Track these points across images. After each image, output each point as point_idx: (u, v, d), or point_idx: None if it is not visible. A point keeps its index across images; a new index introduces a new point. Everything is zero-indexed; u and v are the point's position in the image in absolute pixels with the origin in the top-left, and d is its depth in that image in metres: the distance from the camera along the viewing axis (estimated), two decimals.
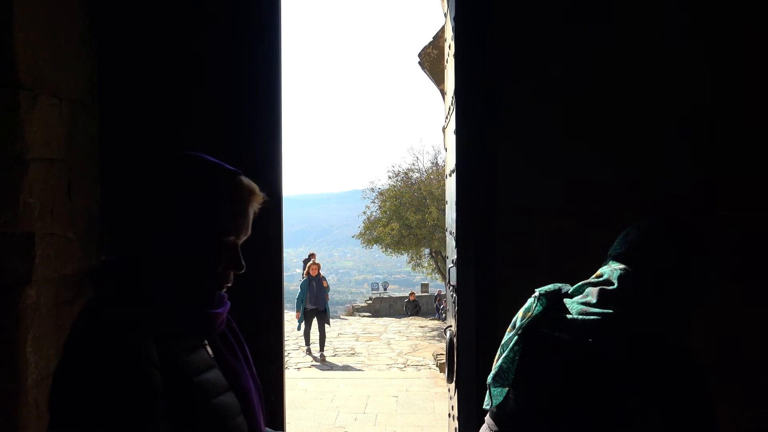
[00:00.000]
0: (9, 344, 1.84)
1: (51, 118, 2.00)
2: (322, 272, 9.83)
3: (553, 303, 1.27)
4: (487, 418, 1.40)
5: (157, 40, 2.40)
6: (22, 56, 1.83)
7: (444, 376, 2.86)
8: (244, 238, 1.12)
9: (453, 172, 2.47)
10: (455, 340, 2.42)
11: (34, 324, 1.90)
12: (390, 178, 21.63)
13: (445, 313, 3.47)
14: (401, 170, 21.51)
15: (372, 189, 22.38)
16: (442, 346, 9.58)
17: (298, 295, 9.76)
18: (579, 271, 2.07)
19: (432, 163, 21.61)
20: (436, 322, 15.95)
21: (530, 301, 1.33)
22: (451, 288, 2.84)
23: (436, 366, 8.09)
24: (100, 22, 2.34)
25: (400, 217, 20.08)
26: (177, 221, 1.07)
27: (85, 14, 2.27)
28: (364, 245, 20.84)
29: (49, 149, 1.99)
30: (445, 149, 3.18)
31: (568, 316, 1.21)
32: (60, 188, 2.07)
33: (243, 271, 1.08)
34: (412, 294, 20.88)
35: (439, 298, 19.47)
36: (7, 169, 1.83)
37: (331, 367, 8.78)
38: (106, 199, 2.39)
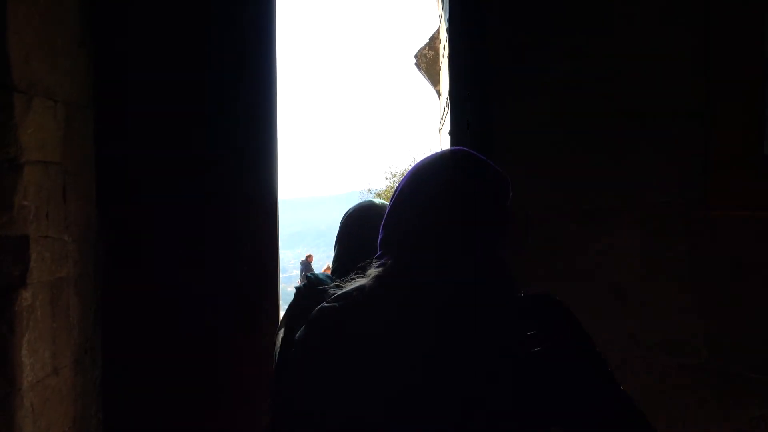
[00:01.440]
0: (4, 347, 1.83)
1: (46, 121, 2.00)
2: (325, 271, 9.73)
3: None
4: None
5: (153, 41, 2.40)
6: (16, 58, 1.83)
7: None
8: None
9: None
10: None
11: (29, 327, 1.90)
12: (387, 179, 21.67)
13: None
14: (398, 171, 21.54)
15: (369, 190, 22.43)
16: None
17: None
18: (575, 269, 2.08)
19: None
20: None
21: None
22: None
23: None
24: (96, 24, 2.34)
25: None
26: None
27: (81, 16, 2.26)
28: None
29: (44, 152, 1.99)
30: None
31: None
32: (55, 191, 2.07)
33: None
34: None
35: None
36: (1, 172, 1.83)
37: None
38: (102, 202, 2.39)
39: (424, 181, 1.04)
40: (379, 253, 1.06)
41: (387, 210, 1.08)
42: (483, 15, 2.22)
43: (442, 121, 2.98)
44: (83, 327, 2.26)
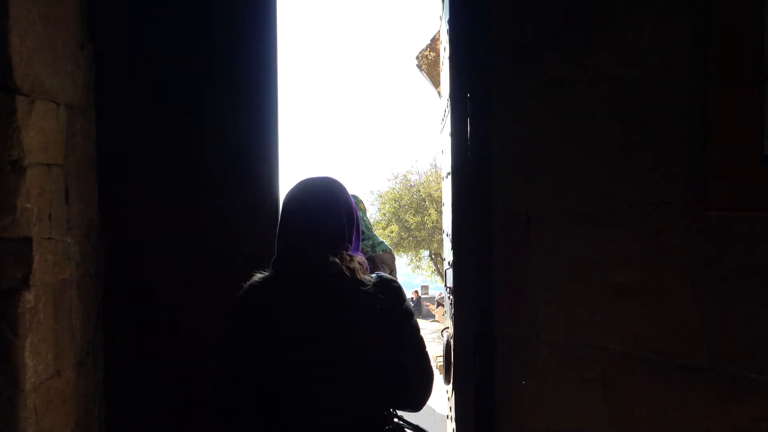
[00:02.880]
0: (7, 349, 1.84)
1: (48, 123, 2.01)
2: None
3: None
4: None
5: (153, 45, 2.41)
6: (18, 61, 1.84)
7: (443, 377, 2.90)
8: None
9: (449, 174, 2.48)
10: (452, 342, 2.43)
11: (32, 329, 1.91)
12: (389, 180, 21.67)
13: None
14: (400, 172, 21.53)
15: (371, 191, 22.43)
16: (442, 348, 9.56)
17: None
18: (575, 269, 2.09)
19: (431, 165, 21.65)
20: (437, 323, 15.94)
21: None
22: (447, 290, 2.85)
23: (437, 368, 8.09)
24: (97, 27, 2.35)
25: (399, 219, 20.13)
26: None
27: (82, 19, 2.28)
28: None
29: (47, 154, 2.00)
30: (442, 152, 3.19)
31: None
32: (58, 193, 2.08)
33: None
34: (415, 293, 20.76)
35: (440, 300, 19.43)
36: (4, 174, 1.84)
37: None
38: (104, 204, 2.40)
39: (293, 203, 1.66)
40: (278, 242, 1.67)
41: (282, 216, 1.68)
42: (483, 15, 2.22)
43: (443, 123, 2.99)
44: (85, 329, 2.27)
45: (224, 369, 1.64)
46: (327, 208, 1.63)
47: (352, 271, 1.57)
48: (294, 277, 1.57)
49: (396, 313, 1.60)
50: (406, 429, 1.71)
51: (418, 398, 1.69)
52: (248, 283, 1.61)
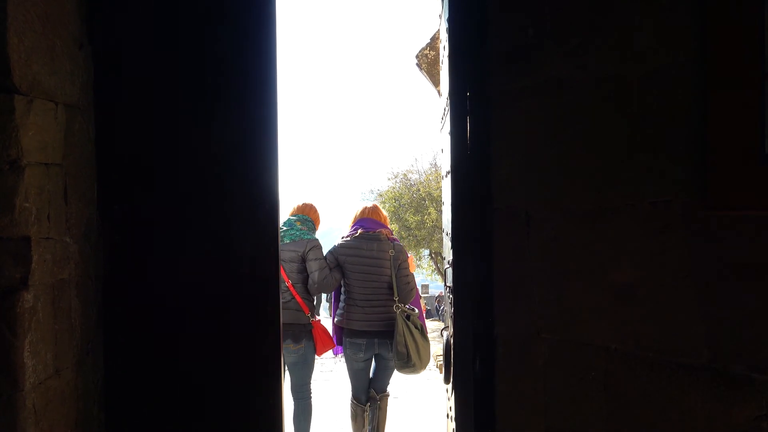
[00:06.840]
0: (6, 349, 1.84)
1: (47, 123, 2.01)
2: None
3: None
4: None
5: (153, 45, 2.41)
6: (17, 61, 1.83)
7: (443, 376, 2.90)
8: None
9: (448, 173, 2.47)
10: (452, 341, 2.42)
11: (31, 329, 1.91)
12: (389, 179, 21.67)
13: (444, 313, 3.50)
14: (400, 172, 21.53)
15: (371, 190, 22.43)
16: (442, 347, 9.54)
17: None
18: (576, 269, 2.09)
19: (431, 164, 21.66)
20: (437, 323, 15.96)
21: None
22: (447, 289, 2.85)
23: (437, 367, 8.10)
24: (96, 26, 2.35)
25: (399, 218, 20.14)
26: None
27: (81, 18, 2.27)
28: None
29: (45, 154, 2.00)
30: (442, 150, 3.19)
31: None
32: (56, 193, 2.07)
33: None
34: None
35: (439, 299, 19.46)
36: (2, 174, 1.84)
37: (331, 369, 8.77)
38: (103, 203, 2.39)
39: (361, 212, 4.68)
40: (356, 226, 4.59)
41: (356, 217, 4.70)
42: (482, 14, 2.22)
43: (443, 121, 2.98)
44: (85, 328, 2.27)
45: (330, 278, 4.35)
46: (376, 213, 4.60)
47: (381, 234, 4.41)
48: (359, 237, 4.41)
49: (398, 256, 4.37)
50: (402, 313, 4.28)
51: (404, 296, 4.36)
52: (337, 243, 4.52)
